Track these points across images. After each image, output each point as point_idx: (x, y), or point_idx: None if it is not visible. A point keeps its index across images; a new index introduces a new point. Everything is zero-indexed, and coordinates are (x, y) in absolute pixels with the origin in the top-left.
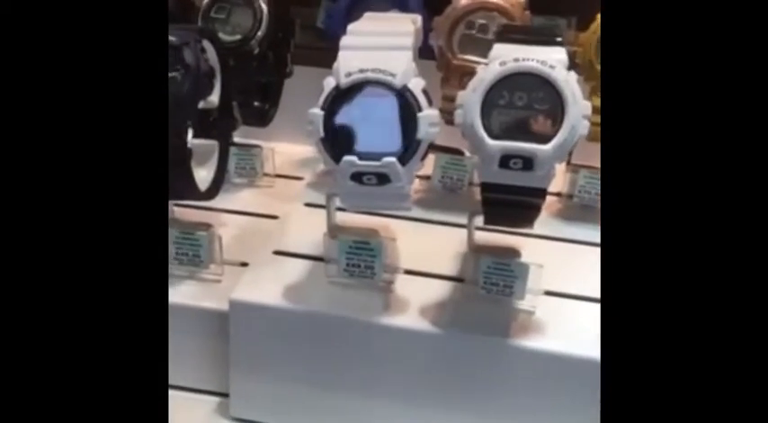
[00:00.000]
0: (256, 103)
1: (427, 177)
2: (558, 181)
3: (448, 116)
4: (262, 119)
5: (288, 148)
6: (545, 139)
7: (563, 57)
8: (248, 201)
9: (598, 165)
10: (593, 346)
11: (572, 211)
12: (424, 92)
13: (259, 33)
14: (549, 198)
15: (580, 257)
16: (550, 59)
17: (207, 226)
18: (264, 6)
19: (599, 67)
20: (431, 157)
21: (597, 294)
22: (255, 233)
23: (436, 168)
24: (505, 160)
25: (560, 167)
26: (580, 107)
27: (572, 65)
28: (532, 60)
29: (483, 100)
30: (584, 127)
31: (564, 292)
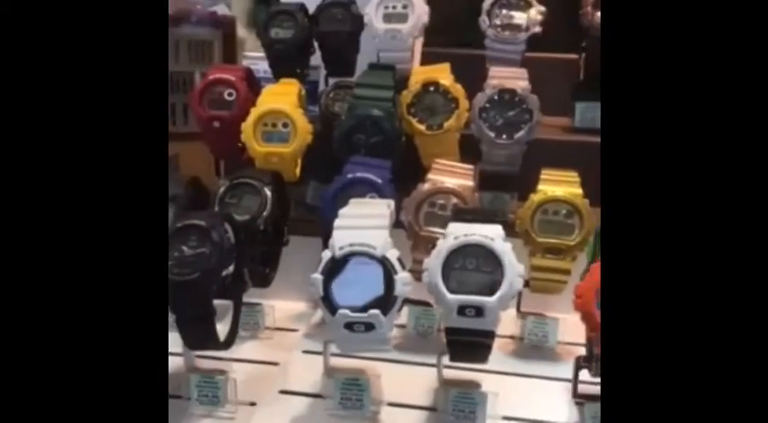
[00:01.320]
0: (260, 268)
1: (403, 326)
2: (511, 326)
3: (418, 275)
4: (264, 281)
5: (285, 305)
6: (491, 292)
7: (501, 232)
8: (253, 350)
9: (544, 312)
10: None
11: (523, 350)
12: (399, 260)
13: (264, 213)
14: (503, 340)
15: (531, 388)
16: (491, 234)
17: (223, 372)
18: (269, 193)
19: (534, 236)
20: (405, 309)
21: (546, 417)
22: (261, 377)
23: (410, 318)
24: (462, 310)
25: (513, 315)
26: (515, 269)
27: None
28: (478, 235)
29: (443, 265)
30: (518, 283)
31: (518, 417)
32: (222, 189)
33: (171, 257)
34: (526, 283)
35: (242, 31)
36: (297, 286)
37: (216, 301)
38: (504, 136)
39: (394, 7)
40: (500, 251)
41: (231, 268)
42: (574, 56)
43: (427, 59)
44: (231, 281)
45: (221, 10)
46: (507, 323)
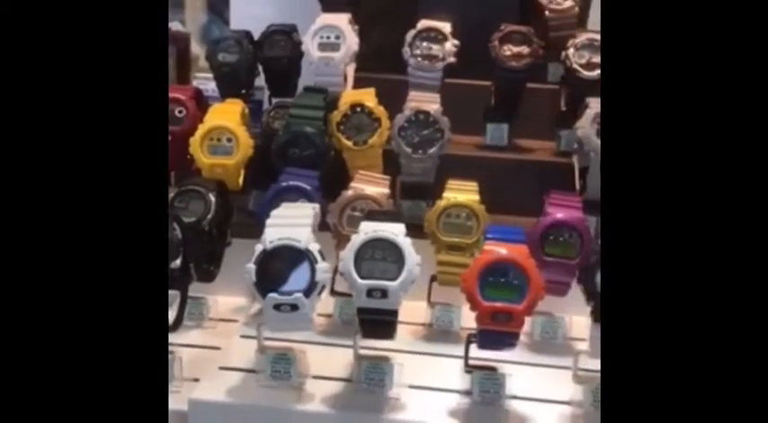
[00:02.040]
0: (205, 266)
1: (330, 315)
2: (423, 314)
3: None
4: (208, 277)
5: (227, 299)
6: (394, 278)
7: (403, 229)
8: (197, 337)
9: (451, 302)
10: None
11: (432, 335)
12: (320, 252)
13: (209, 216)
14: (415, 327)
15: (433, 363)
16: (395, 231)
17: (171, 352)
18: (213, 198)
19: (439, 235)
20: (332, 300)
21: (441, 385)
22: (204, 358)
23: (336, 308)
24: (370, 292)
25: (424, 305)
26: (414, 259)
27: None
28: (384, 231)
29: (355, 256)
30: (416, 270)
31: (420, 385)
32: (172, 194)
33: None
34: (434, 278)
35: (196, 48)
36: (238, 282)
37: None
38: (420, 151)
39: (328, 38)
40: (402, 244)
41: (178, 262)
42: (487, 83)
43: (360, 83)
44: (178, 274)
45: (175, 27)
46: (419, 312)
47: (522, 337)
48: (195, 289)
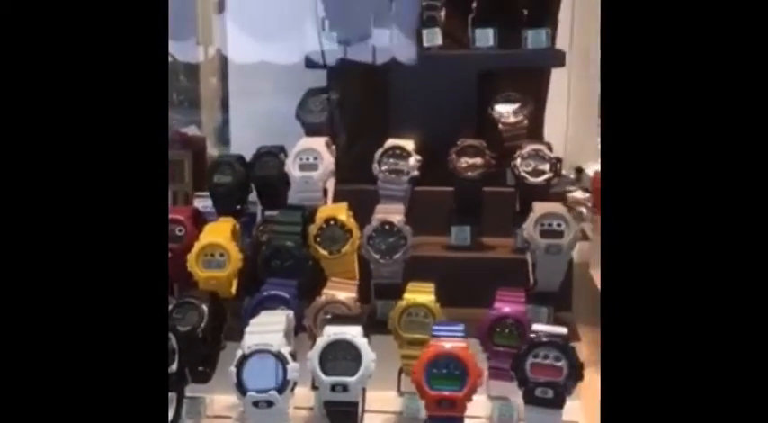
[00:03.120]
0: (200, 368)
1: (311, 408)
2: (394, 403)
3: None
4: (204, 378)
5: (222, 398)
6: (353, 374)
7: (360, 331)
8: None
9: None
10: None
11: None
12: (291, 354)
13: (202, 325)
14: (386, 415)
15: None
16: (353, 332)
17: None
18: (206, 308)
19: (400, 332)
20: (311, 394)
21: None
22: None
23: (316, 402)
24: (333, 387)
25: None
26: (369, 356)
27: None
28: (343, 334)
29: (319, 356)
30: (372, 366)
31: None
32: (171, 306)
33: None
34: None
35: (212, 150)
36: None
37: None
38: (387, 257)
39: (307, 159)
40: (358, 344)
41: (174, 367)
42: (449, 189)
43: (339, 194)
44: (175, 378)
45: (192, 131)
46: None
47: (484, 421)
48: (194, 389)
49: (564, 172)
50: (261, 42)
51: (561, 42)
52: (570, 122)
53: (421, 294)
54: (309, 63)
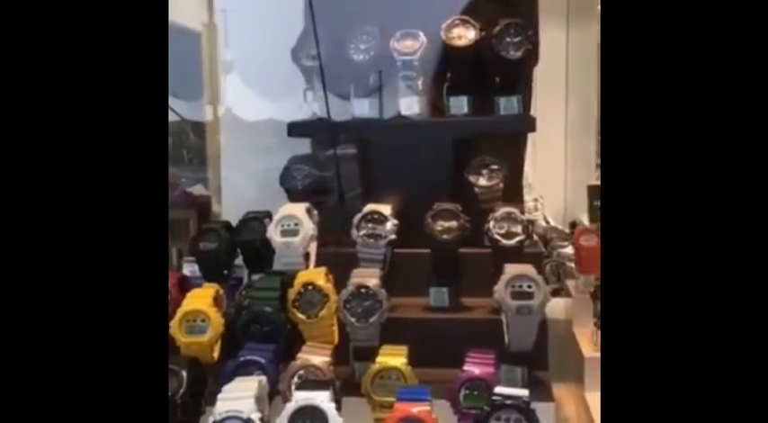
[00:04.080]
0: None
1: None
2: None
3: None
4: None
5: None
6: None
7: (327, 396)
8: None
9: None
10: None
11: None
12: (261, 419)
13: (181, 390)
14: None
15: None
16: (320, 397)
17: None
18: (185, 374)
19: (372, 395)
20: None
21: None
22: None
23: None
24: None
25: None
26: (336, 420)
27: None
28: (311, 399)
29: (288, 421)
30: None
31: None
32: None
33: None
34: None
35: (217, 207)
36: None
37: None
38: (363, 320)
39: (288, 225)
40: (325, 409)
41: None
42: (427, 251)
43: (321, 257)
44: None
45: (198, 190)
46: None
47: None
48: None
49: (560, 226)
50: (267, 101)
51: (556, 104)
52: (568, 178)
53: (393, 358)
54: (293, 130)
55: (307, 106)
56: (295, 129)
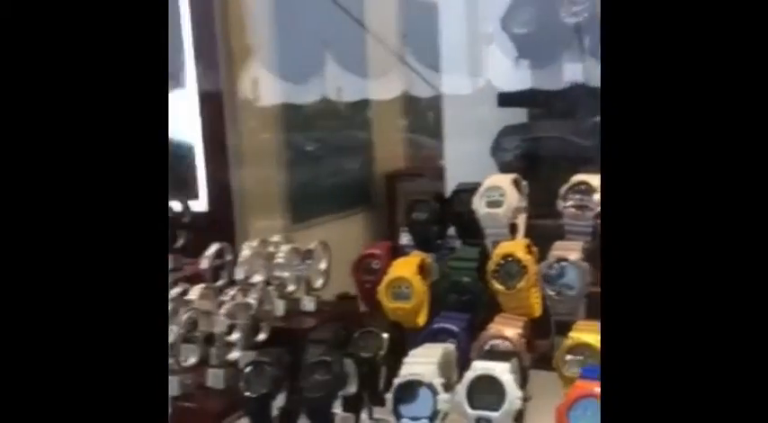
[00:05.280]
0: (379, 392)
1: None
2: None
3: None
4: (383, 403)
5: None
6: (498, 408)
7: (507, 367)
8: None
9: None
10: None
11: None
12: (442, 384)
13: (381, 352)
14: None
15: None
16: (499, 368)
17: None
18: (386, 337)
19: (564, 372)
20: None
21: None
22: None
23: None
24: (478, 420)
25: None
26: (515, 393)
27: None
28: (490, 370)
29: (467, 390)
30: (517, 404)
31: None
32: (356, 334)
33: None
34: None
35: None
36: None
37: None
38: (561, 294)
39: (493, 196)
40: (504, 381)
41: (352, 390)
42: None
43: (530, 229)
44: (353, 400)
45: None
46: None
47: None
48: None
49: None
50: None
51: None
52: None
53: (587, 334)
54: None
55: (516, 75)
56: (505, 99)
